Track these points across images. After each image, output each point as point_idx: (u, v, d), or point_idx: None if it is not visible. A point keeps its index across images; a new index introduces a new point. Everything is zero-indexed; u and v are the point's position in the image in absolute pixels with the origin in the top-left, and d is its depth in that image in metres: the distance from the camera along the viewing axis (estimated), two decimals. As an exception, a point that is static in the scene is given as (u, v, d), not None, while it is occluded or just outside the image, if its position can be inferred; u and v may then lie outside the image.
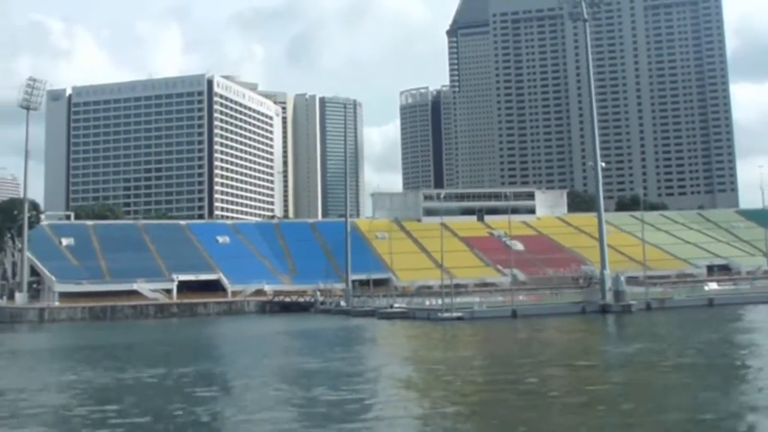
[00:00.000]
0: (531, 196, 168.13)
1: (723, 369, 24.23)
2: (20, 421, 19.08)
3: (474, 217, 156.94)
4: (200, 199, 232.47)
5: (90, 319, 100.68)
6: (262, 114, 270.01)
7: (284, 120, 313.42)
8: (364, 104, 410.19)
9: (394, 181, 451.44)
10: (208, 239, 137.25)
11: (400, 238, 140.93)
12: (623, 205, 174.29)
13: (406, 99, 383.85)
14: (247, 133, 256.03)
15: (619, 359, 29.18)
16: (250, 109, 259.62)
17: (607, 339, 41.81)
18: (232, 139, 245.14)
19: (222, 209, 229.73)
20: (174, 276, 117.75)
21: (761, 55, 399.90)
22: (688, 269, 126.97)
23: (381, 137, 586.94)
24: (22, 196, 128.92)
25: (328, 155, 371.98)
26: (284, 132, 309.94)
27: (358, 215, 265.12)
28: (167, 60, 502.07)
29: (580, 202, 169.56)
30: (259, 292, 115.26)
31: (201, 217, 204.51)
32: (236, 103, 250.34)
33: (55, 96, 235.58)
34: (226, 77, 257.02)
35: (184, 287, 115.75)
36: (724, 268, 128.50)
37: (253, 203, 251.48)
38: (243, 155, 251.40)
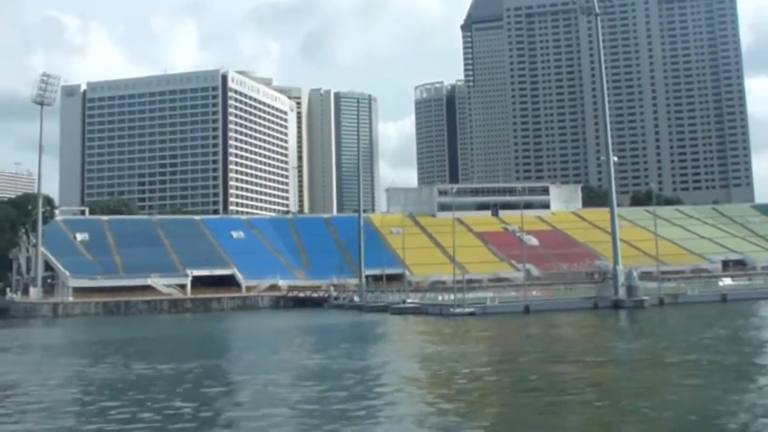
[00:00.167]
0: (545, 190, 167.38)
1: (727, 367, 23.89)
2: (16, 417, 19.10)
3: (488, 212, 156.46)
4: (215, 194, 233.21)
5: (104, 314, 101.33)
6: (277, 109, 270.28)
7: (299, 115, 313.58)
8: (379, 99, 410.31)
9: (410, 176, 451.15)
10: (223, 234, 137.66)
11: (415, 233, 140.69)
12: (638, 200, 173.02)
13: (420, 94, 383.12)
14: (262, 128, 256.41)
15: (624, 356, 28.93)
16: (264, 104, 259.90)
17: (616, 335, 41.48)
18: (246, 134, 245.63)
19: (237, 204, 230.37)
20: (188, 271, 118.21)
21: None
22: (703, 264, 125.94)
23: (396, 132, 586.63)
24: (36, 191, 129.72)
25: (342, 150, 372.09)
26: (299, 127, 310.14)
27: (373, 210, 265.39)
28: (182, 55, 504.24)
29: (594, 197, 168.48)
30: (274, 288, 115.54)
31: (216, 212, 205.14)
32: (251, 98, 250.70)
33: (69, 92, 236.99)
34: (241, 72, 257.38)
35: (199, 282, 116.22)
36: (740, 264, 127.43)
37: (267, 198, 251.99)
38: (258, 150, 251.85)
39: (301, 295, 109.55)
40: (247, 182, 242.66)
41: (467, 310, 58.65)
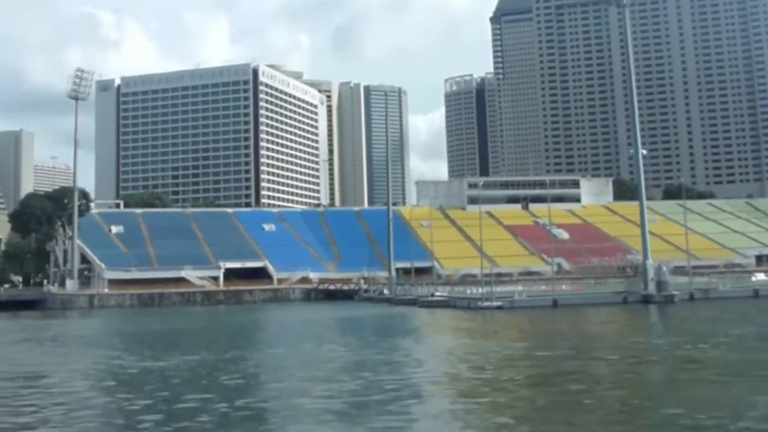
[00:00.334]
0: (576, 184, 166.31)
1: (749, 365, 23.85)
2: (35, 408, 19.60)
3: (519, 206, 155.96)
4: (247, 187, 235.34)
5: (138, 305, 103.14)
6: (307, 102, 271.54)
7: (329, 108, 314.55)
8: (409, 92, 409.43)
9: (440, 169, 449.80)
10: (255, 227, 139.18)
11: (445, 226, 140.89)
12: (670, 194, 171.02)
13: (450, 87, 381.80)
14: (293, 122, 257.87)
15: (651, 352, 28.94)
16: (295, 97, 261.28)
17: (644, 331, 41.27)
18: (277, 128, 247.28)
19: (268, 197, 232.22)
20: (221, 263, 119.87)
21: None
22: (736, 259, 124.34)
23: (426, 125, 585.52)
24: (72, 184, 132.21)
25: (373, 143, 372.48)
26: (329, 120, 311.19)
27: (404, 203, 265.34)
28: (214, 50, 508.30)
29: (626, 191, 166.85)
30: (305, 280, 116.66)
31: (248, 205, 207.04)
32: (281, 91, 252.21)
33: (104, 86, 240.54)
34: (272, 66, 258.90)
35: (231, 274, 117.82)
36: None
37: (299, 191, 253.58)
38: (288, 143, 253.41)
39: (332, 287, 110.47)
40: (278, 175, 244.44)
41: (495, 303, 58.82)
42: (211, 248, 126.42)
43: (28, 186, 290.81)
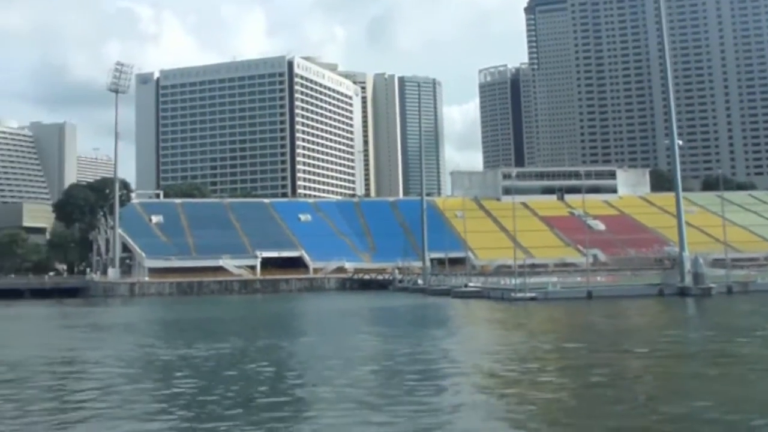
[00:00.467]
0: (612, 174, 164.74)
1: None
2: (61, 393, 20.40)
3: (554, 196, 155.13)
4: (283, 178, 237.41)
5: (177, 293, 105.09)
6: (342, 94, 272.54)
7: (364, 100, 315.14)
8: (443, 83, 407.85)
9: (475, 160, 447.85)
10: (291, 217, 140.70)
11: (479, 216, 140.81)
12: (709, 185, 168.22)
13: (484, 77, 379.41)
14: (328, 113, 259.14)
15: (682, 346, 28.82)
16: (329, 89, 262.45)
17: (677, 324, 40.97)
18: (313, 119, 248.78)
19: (304, 188, 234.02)
20: (258, 253, 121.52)
21: None
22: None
23: (461, 116, 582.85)
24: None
25: (408, 134, 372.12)
26: (364, 111, 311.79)
27: (438, 194, 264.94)
28: (251, 42, 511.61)
29: (663, 181, 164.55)
30: (340, 269, 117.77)
31: (284, 195, 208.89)
32: (316, 83, 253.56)
33: (143, 79, 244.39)
34: (307, 58, 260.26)
35: (268, 264, 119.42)
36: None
37: (334, 182, 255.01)
38: (324, 134, 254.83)
39: (367, 277, 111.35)
40: (313, 166, 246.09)
41: (528, 294, 58.97)
42: (248, 238, 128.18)
43: (71, 177, 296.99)
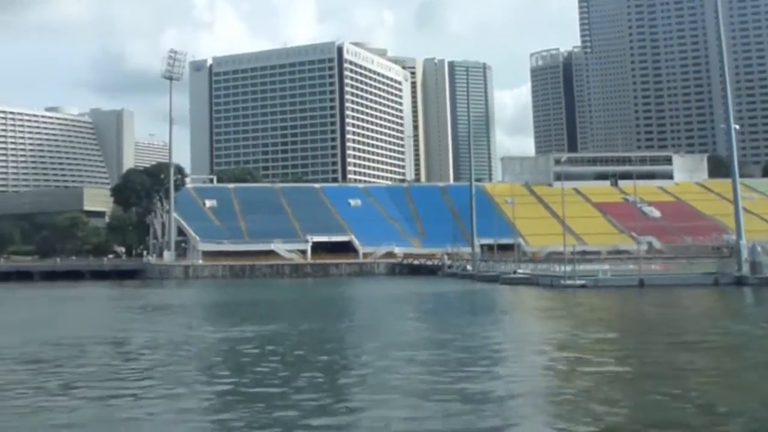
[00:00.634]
0: (668, 160, 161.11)
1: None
2: (107, 371, 20.96)
3: (608, 182, 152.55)
4: (333, 163, 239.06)
5: (230, 276, 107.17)
6: (391, 79, 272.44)
7: (413, 85, 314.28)
8: (494, 67, 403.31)
9: (527, 145, 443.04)
10: (341, 202, 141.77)
11: (530, 202, 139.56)
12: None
13: (536, 61, 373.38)
14: (377, 98, 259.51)
15: (732, 338, 28.06)
16: (379, 74, 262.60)
17: (730, 314, 39.88)
18: (362, 104, 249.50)
19: (354, 173, 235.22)
20: (308, 237, 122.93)
21: None
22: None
23: (512, 100, 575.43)
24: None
25: (458, 119, 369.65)
26: (413, 97, 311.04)
27: (489, 179, 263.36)
28: (301, 29, 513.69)
29: (721, 167, 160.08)
30: (389, 255, 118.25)
31: (334, 180, 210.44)
32: (366, 69, 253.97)
33: (197, 66, 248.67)
34: (356, 44, 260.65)
35: (318, 248, 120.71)
36: None
37: (384, 167, 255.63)
38: (373, 120, 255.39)
39: (416, 262, 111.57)
40: (363, 151, 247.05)
41: (578, 282, 58.34)
42: (299, 222, 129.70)
43: (129, 162, 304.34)
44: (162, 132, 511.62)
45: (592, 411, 14.63)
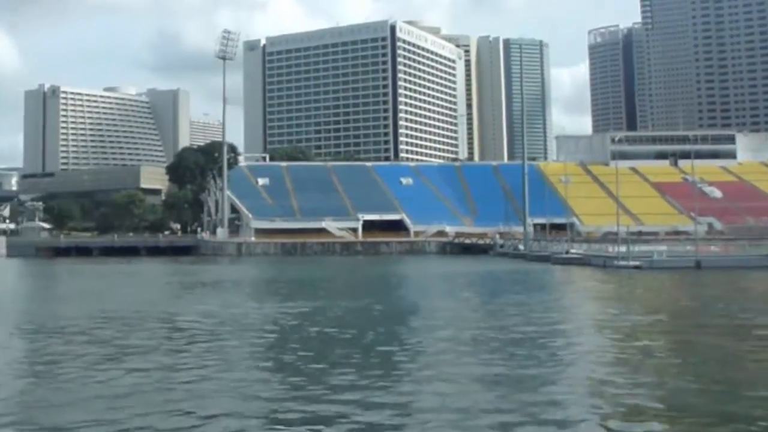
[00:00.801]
0: (731, 139, 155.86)
1: None
2: (149, 345, 21.34)
3: (667, 162, 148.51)
4: (386, 142, 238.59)
5: (282, 254, 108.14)
6: (445, 57, 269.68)
7: (467, 63, 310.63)
8: (551, 45, 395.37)
9: (584, 123, 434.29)
10: (392, 180, 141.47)
11: (586, 182, 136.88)
12: None
13: (594, 38, 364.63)
14: (430, 77, 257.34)
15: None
16: (432, 52, 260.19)
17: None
18: (415, 83, 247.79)
19: (406, 151, 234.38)
20: (359, 215, 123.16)
21: None
22: None
23: (570, 78, 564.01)
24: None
25: (513, 97, 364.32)
26: (467, 75, 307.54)
27: (545, 158, 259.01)
28: (354, 7, 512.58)
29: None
30: (440, 233, 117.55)
31: (386, 158, 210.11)
32: (419, 47, 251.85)
33: (251, 46, 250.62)
34: (409, 22, 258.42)
35: (369, 226, 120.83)
36: None
37: (437, 146, 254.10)
38: (426, 98, 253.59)
39: (467, 241, 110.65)
40: (416, 130, 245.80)
41: (632, 263, 56.81)
42: (350, 201, 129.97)
43: (184, 140, 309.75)
44: (216, 111, 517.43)
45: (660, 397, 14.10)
